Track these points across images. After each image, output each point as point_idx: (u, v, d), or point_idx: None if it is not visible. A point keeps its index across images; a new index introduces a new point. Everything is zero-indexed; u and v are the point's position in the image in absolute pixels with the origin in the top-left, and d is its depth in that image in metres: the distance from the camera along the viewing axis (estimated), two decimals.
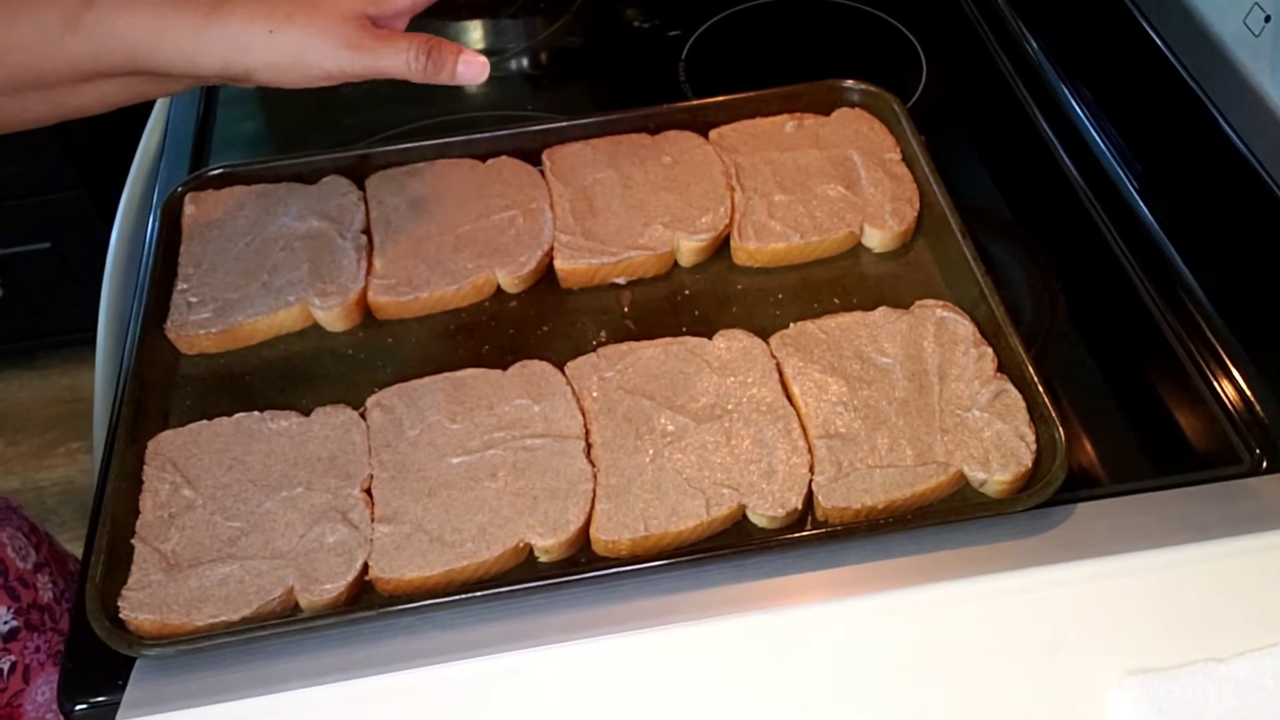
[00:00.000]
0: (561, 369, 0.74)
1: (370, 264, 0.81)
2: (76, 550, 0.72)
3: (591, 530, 0.67)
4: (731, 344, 0.75)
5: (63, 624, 0.85)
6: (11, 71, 0.63)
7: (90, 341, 0.98)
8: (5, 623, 0.81)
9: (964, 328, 0.75)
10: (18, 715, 0.82)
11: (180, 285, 0.81)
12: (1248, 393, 0.74)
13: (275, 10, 0.64)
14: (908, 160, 0.86)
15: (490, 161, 0.88)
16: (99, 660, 0.63)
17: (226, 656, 0.64)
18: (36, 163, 1.71)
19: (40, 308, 1.90)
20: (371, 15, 0.67)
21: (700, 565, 0.66)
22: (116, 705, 0.62)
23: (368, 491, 0.69)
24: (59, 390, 2.04)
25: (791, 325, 0.76)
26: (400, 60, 0.66)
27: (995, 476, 0.67)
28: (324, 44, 0.64)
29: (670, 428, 0.71)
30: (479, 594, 0.64)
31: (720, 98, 0.91)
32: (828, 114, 0.90)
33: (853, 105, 0.91)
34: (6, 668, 0.81)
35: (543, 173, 0.87)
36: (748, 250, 0.81)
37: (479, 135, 0.89)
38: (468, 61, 0.67)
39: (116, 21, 0.63)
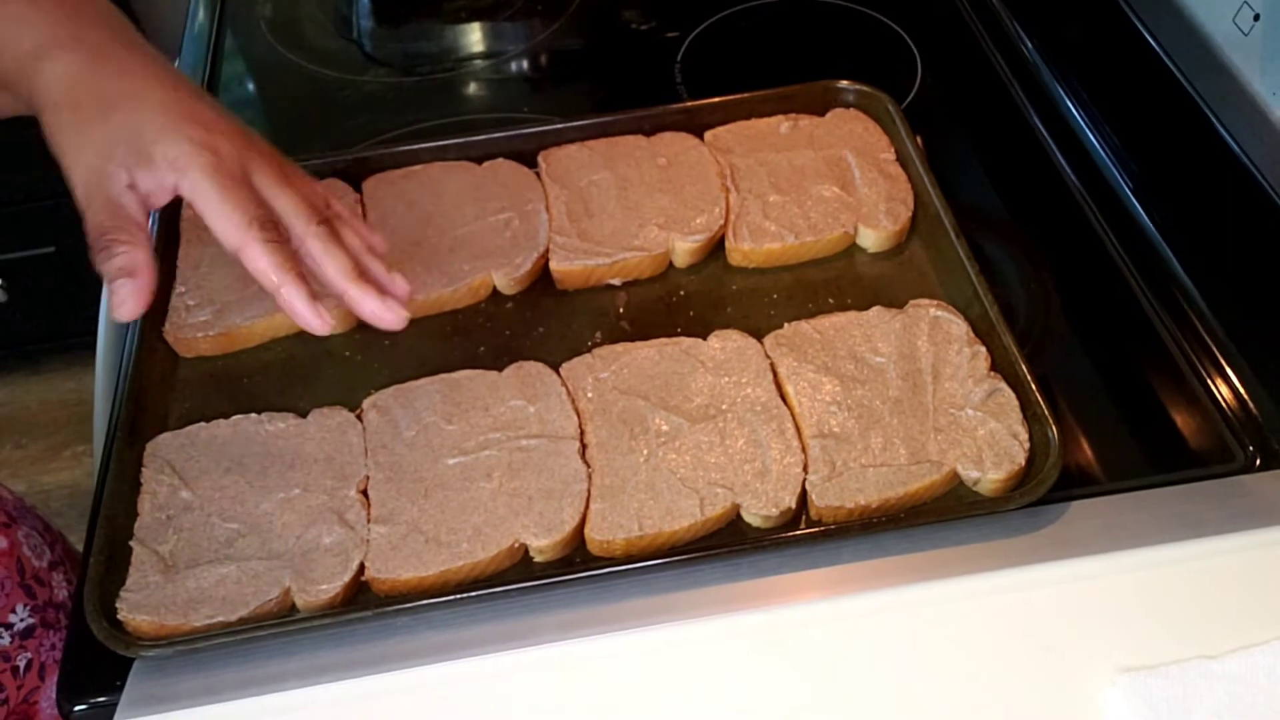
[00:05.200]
0: (557, 370, 0.75)
1: None
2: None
3: (586, 530, 0.67)
4: (726, 344, 0.75)
5: None
6: None
7: (94, 345, 0.98)
8: (22, 620, 0.81)
9: (958, 327, 0.75)
10: (34, 712, 0.82)
11: (178, 288, 0.81)
12: (1241, 390, 0.74)
13: (83, 87, 0.61)
14: (902, 160, 0.86)
15: (486, 164, 0.88)
16: (97, 661, 0.64)
17: (224, 657, 0.64)
18: (39, 167, 1.70)
19: (44, 312, 1.91)
20: (135, 167, 0.61)
21: (694, 565, 0.66)
22: (115, 706, 0.63)
23: (364, 492, 0.70)
24: (63, 394, 2.04)
25: (786, 325, 0.76)
26: (89, 235, 0.60)
27: (989, 475, 0.67)
28: (67, 155, 0.61)
29: (665, 428, 0.71)
30: (474, 594, 0.64)
31: (715, 99, 0.91)
32: (822, 114, 0.90)
33: (847, 106, 0.91)
34: (23, 665, 0.81)
35: (538, 175, 0.87)
36: (743, 251, 0.82)
37: (475, 138, 0.89)
38: (115, 294, 0.60)
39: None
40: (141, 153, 0.60)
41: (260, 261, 0.61)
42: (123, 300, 0.60)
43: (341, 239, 0.65)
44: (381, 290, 0.65)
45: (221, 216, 0.61)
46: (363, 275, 0.64)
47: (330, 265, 0.63)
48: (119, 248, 0.60)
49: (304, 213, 0.64)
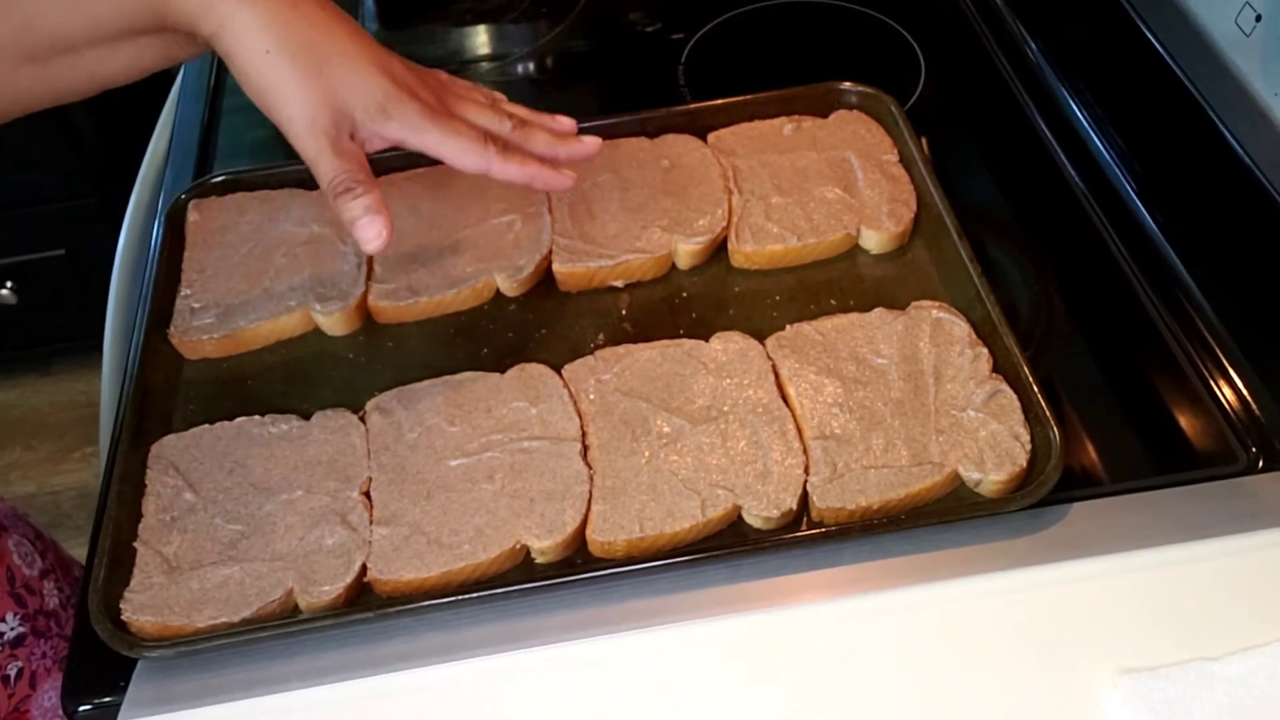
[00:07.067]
0: (559, 371, 0.75)
1: (370, 269, 0.82)
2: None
3: (588, 531, 0.67)
4: (728, 346, 0.76)
5: (69, 630, 0.85)
6: (36, 37, 0.62)
7: (103, 347, 0.99)
8: (12, 629, 0.82)
9: (960, 328, 0.75)
10: None
11: (184, 291, 0.82)
12: (1244, 392, 0.74)
13: (292, 36, 0.63)
14: (905, 162, 0.86)
15: None
16: (101, 662, 0.64)
17: (226, 658, 0.64)
18: (49, 170, 1.72)
19: (54, 314, 1.92)
20: (359, 122, 0.66)
21: (696, 566, 0.66)
22: (118, 706, 0.63)
23: (366, 494, 0.70)
24: (73, 395, 2.05)
25: (788, 327, 0.76)
26: (325, 181, 0.65)
27: (990, 476, 0.67)
28: (292, 105, 0.64)
29: (666, 429, 0.71)
30: (476, 595, 0.65)
31: (718, 101, 0.91)
32: (825, 116, 0.90)
33: (850, 107, 0.91)
34: (14, 674, 0.81)
35: None
36: (745, 253, 0.82)
37: None
38: (364, 231, 0.66)
39: None
40: (378, 110, 0.66)
41: (510, 171, 0.70)
42: (376, 234, 0.66)
43: (531, 126, 0.74)
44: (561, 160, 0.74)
45: (459, 152, 0.68)
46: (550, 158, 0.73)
47: (528, 162, 0.71)
48: (359, 189, 0.65)
49: (497, 118, 0.72)
